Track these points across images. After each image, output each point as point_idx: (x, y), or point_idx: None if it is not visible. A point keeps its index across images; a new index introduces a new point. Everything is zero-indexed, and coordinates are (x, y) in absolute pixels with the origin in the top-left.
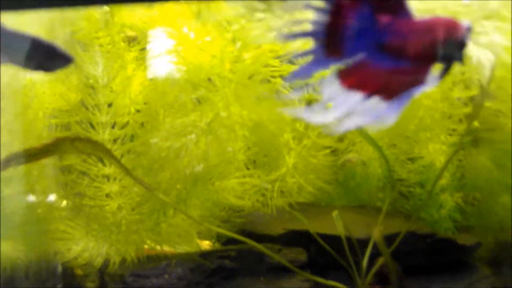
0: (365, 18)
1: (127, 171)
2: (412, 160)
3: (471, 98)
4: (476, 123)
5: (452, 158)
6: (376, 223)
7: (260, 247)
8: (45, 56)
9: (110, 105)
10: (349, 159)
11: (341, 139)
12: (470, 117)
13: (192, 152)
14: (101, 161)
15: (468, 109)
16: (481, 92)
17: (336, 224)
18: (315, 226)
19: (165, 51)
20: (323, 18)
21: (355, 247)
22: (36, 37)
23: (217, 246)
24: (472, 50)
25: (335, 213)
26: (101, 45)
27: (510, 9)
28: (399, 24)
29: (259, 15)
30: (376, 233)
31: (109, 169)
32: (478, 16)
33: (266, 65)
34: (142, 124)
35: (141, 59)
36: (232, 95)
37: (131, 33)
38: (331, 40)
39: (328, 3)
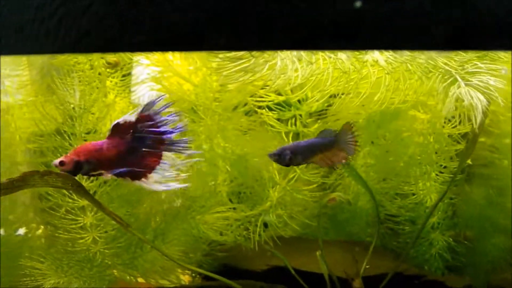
0: None
1: (99, 206)
2: (402, 196)
3: (463, 136)
4: (468, 160)
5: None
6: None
7: (234, 284)
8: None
9: (88, 133)
10: (333, 198)
11: (329, 173)
12: (462, 155)
13: None
14: None
15: (460, 146)
16: (473, 133)
17: (320, 264)
18: (299, 262)
19: (148, 78)
20: None
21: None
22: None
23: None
24: (464, 91)
25: (318, 253)
26: (81, 71)
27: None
28: None
29: None
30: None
31: (84, 201)
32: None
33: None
34: None
35: (123, 86)
36: (216, 126)
37: (112, 58)
38: None
39: None
